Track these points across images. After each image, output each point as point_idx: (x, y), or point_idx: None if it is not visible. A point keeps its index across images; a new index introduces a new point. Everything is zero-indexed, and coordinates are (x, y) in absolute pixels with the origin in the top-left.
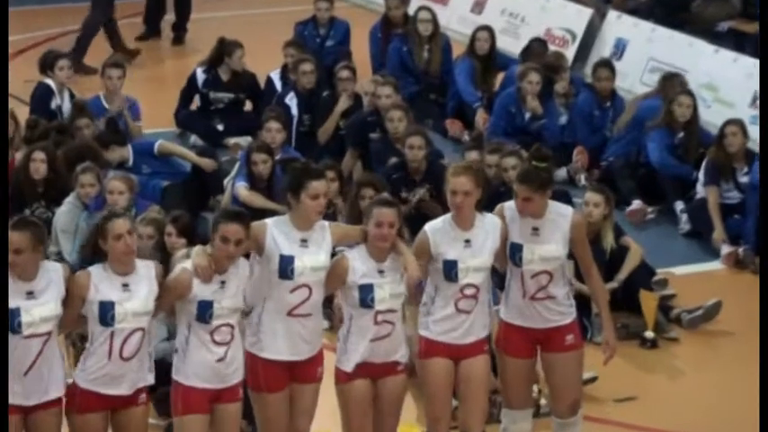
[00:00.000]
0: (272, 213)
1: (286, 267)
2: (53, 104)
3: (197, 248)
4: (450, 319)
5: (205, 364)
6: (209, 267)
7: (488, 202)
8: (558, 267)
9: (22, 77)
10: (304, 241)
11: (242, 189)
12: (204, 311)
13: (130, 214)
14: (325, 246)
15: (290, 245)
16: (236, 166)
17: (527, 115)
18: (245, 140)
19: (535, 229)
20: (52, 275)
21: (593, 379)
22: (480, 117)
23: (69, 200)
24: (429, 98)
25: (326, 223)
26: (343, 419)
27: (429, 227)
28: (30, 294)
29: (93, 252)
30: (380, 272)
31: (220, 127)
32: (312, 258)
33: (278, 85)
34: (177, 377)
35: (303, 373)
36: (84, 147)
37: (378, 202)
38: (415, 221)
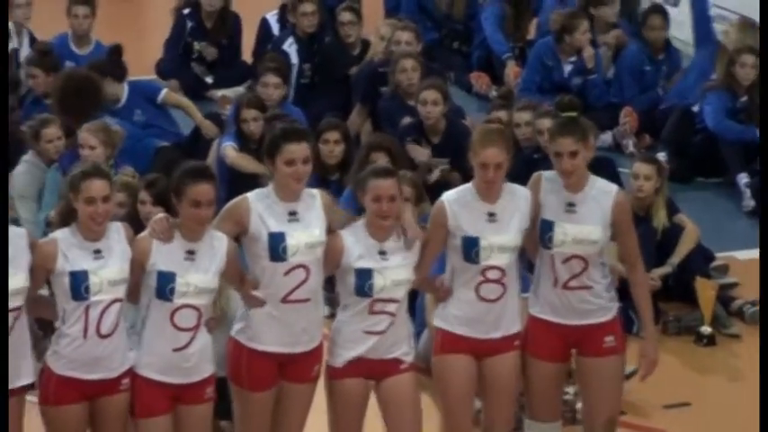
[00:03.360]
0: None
1: (277, 246)
2: (9, 47)
3: (158, 215)
4: (470, 309)
5: (162, 352)
6: (168, 226)
7: (520, 171)
8: (596, 254)
9: None
10: (293, 214)
11: (230, 150)
12: (164, 286)
13: (111, 175)
14: (316, 216)
15: (278, 220)
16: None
17: (567, 68)
18: (234, 92)
19: (571, 205)
20: (18, 242)
21: (633, 373)
22: (511, 70)
23: (26, 158)
24: (451, 47)
25: (315, 191)
26: (330, 421)
27: (447, 196)
28: None
29: (69, 219)
30: (382, 253)
31: (209, 79)
32: (305, 233)
33: (275, 28)
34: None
35: (296, 369)
36: (83, 78)
37: (373, 173)
38: (434, 193)
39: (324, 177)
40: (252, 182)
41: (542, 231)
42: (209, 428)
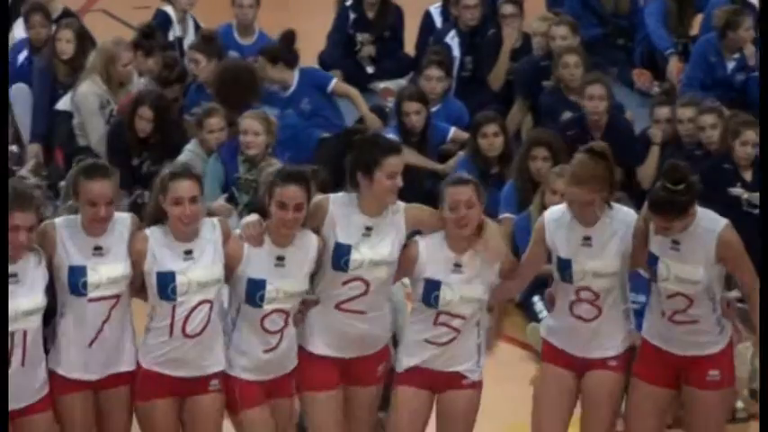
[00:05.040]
0: (424, 172)
1: (340, 258)
2: (171, 36)
3: (251, 218)
4: (566, 324)
5: (253, 354)
6: (260, 230)
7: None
8: (701, 292)
9: (131, 3)
10: (368, 229)
11: None
12: (254, 293)
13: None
14: (393, 234)
15: (351, 232)
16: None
17: (730, 65)
18: (396, 84)
19: (675, 243)
20: (122, 230)
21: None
22: (674, 66)
23: (189, 147)
24: (615, 43)
25: (402, 206)
26: (387, 426)
27: (549, 213)
28: (97, 250)
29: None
30: (456, 266)
31: (370, 69)
32: (374, 251)
33: (438, 21)
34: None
35: (357, 372)
36: (240, 68)
37: (451, 182)
38: None
39: (484, 171)
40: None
41: (649, 263)
42: (294, 418)
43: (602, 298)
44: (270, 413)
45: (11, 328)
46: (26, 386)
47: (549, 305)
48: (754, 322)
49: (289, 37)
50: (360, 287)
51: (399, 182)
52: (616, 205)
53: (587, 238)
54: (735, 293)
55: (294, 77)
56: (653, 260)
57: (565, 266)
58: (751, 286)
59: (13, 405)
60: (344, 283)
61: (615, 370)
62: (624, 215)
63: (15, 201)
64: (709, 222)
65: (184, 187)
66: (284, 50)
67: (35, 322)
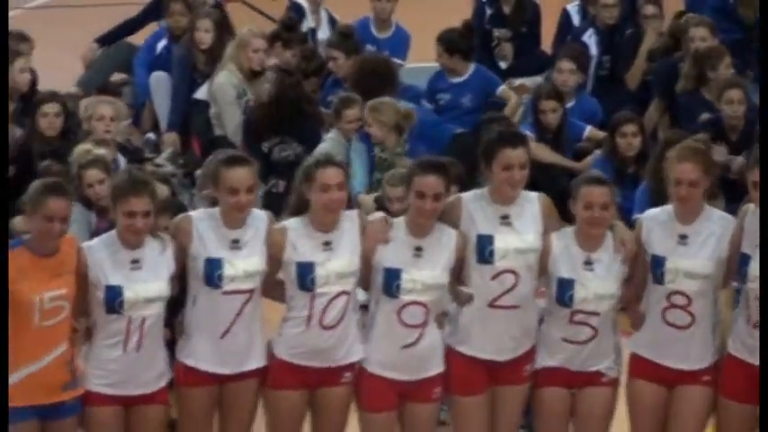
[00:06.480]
0: (559, 170)
1: (484, 249)
2: (304, 27)
3: (376, 215)
4: (657, 332)
5: (390, 349)
6: (386, 227)
7: None
8: None
9: None
10: (505, 218)
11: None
12: (391, 282)
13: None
14: (531, 221)
15: (489, 221)
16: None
17: None
18: (532, 81)
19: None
20: (258, 225)
21: None
22: None
23: (331, 136)
24: (751, 47)
25: (534, 195)
26: (535, 425)
27: (647, 213)
28: (235, 243)
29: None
30: (587, 263)
31: (504, 65)
32: (517, 238)
33: (575, 19)
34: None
35: (505, 373)
36: (378, 61)
37: (587, 180)
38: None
39: (620, 170)
40: (547, 172)
41: (739, 264)
42: (434, 428)
43: (694, 303)
44: (396, 419)
45: (129, 312)
46: (140, 374)
47: (636, 323)
48: None
49: (468, 28)
50: (509, 279)
51: (516, 174)
52: (712, 208)
53: (683, 237)
54: None
55: (468, 70)
56: (744, 260)
57: (657, 264)
58: None
59: (123, 391)
60: (493, 277)
61: (708, 385)
62: (722, 218)
63: (130, 187)
64: None
65: (331, 174)
66: (462, 42)
67: (155, 310)
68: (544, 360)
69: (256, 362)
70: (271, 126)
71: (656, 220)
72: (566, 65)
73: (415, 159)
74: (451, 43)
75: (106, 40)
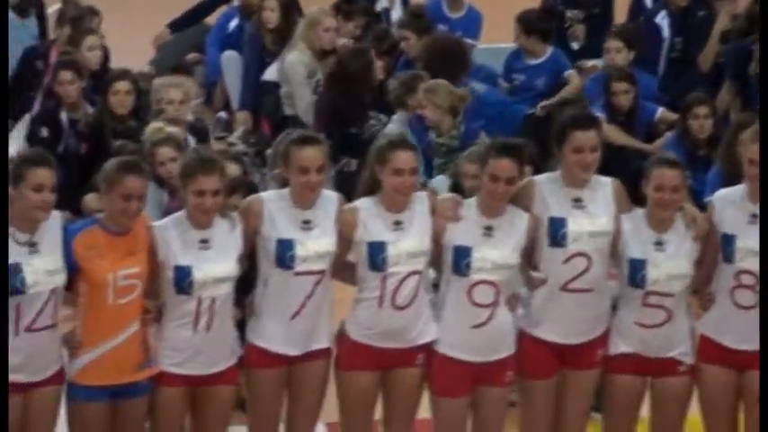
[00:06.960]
0: (631, 151)
1: (557, 232)
2: (378, 7)
3: (446, 195)
4: (725, 312)
5: (460, 329)
6: (454, 206)
7: None
8: None
9: None
10: (578, 201)
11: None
12: (460, 260)
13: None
14: (604, 204)
15: (561, 204)
16: None
17: None
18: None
19: None
20: (329, 207)
21: None
22: None
23: (397, 117)
24: None
25: (608, 179)
26: (603, 415)
27: (718, 194)
28: (306, 224)
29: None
30: (658, 244)
31: (575, 46)
32: (590, 221)
33: (647, 0)
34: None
35: (577, 357)
36: (449, 41)
37: (658, 162)
38: None
39: (692, 152)
40: (619, 154)
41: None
42: (505, 412)
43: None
44: (468, 405)
45: (198, 293)
46: (210, 354)
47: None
48: None
49: (547, 11)
50: (581, 263)
51: (588, 157)
52: None
53: (755, 216)
54: None
55: (546, 53)
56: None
57: (728, 243)
58: None
59: (193, 370)
60: (565, 261)
61: None
62: None
63: (199, 165)
64: None
65: (405, 158)
66: (540, 23)
67: (224, 290)
68: (617, 346)
69: (323, 342)
70: (356, 106)
71: (727, 200)
72: (612, 44)
73: (490, 140)
74: (529, 23)
75: (178, 24)
